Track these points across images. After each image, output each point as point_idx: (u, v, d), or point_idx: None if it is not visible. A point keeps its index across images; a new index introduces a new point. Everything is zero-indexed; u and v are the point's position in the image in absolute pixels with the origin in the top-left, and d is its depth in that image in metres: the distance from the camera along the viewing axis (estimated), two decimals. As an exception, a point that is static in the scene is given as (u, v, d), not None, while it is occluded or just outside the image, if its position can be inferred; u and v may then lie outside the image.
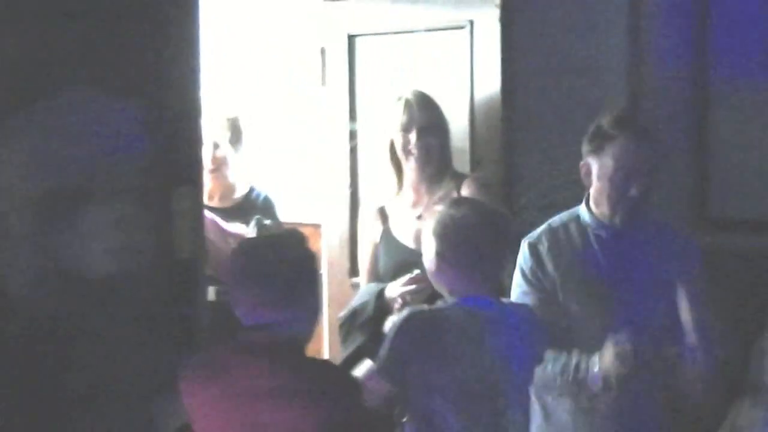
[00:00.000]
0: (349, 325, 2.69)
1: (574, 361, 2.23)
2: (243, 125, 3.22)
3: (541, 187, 3.08)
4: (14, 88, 1.96)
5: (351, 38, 3.20)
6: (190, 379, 1.86)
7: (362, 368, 2.29)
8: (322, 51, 3.26)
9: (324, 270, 3.27)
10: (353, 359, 2.45)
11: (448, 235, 2.15)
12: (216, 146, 3.11)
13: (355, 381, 2.09)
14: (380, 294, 2.56)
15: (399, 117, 2.61)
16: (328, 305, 3.28)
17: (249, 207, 3.19)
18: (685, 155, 3.41)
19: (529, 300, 2.29)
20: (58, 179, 2.06)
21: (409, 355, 2.11)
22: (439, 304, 2.20)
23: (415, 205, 2.67)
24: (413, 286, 2.50)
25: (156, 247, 2.30)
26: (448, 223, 2.17)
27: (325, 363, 2.31)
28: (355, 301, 2.71)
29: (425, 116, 2.61)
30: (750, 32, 3.53)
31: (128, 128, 2.19)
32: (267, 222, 3.04)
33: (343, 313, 2.73)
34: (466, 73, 2.92)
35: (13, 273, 2.06)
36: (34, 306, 2.10)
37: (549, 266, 2.29)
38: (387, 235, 2.67)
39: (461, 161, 2.93)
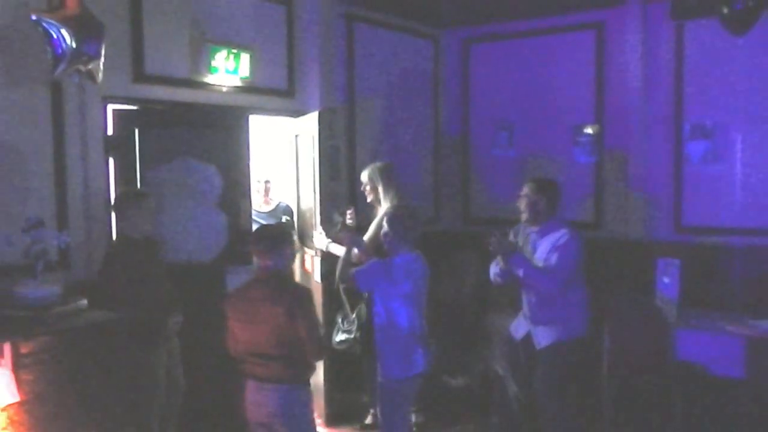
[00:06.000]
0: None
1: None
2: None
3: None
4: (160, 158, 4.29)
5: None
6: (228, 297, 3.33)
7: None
8: (296, 137, 5.47)
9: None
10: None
11: (391, 222, 3.56)
12: (267, 184, 5.56)
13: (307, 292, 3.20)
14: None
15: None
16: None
17: (279, 210, 5.56)
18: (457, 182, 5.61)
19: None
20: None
21: (376, 282, 3.44)
22: (387, 258, 3.58)
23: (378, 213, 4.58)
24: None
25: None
26: (391, 216, 3.62)
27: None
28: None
29: (366, 177, 4.61)
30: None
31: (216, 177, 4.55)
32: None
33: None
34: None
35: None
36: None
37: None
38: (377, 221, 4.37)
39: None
